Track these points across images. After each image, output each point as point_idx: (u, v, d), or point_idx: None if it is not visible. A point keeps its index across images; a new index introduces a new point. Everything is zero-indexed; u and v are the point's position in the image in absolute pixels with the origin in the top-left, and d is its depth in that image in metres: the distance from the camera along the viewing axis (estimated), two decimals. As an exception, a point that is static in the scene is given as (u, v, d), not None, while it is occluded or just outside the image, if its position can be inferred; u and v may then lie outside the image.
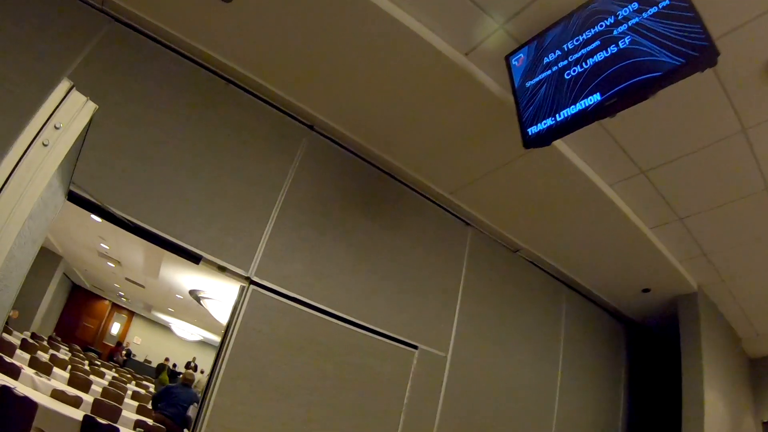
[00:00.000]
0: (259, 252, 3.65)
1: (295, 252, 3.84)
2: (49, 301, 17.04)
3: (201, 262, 3.49)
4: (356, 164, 4.46)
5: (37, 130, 1.88)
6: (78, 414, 5.50)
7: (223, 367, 3.31)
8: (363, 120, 4.15)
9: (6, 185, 1.74)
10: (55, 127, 1.93)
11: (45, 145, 1.88)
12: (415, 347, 4.29)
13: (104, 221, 3.53)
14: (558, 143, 3.78)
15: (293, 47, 3.60)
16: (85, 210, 3.42)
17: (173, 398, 7.44)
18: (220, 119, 3.85)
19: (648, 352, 7.02)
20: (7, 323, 12.41)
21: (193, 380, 7.85)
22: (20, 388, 5.82)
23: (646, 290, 5.89)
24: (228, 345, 3.36)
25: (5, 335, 9.76)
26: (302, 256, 3.87)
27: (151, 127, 3.58)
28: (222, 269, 3.52)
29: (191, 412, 7.35)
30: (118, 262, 12.54)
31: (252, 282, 3.56)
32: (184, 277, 10.64)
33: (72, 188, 3.21)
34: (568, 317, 5.89)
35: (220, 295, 10.45)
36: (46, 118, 1.92)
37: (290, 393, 3.54)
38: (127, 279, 14.94)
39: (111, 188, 3.35)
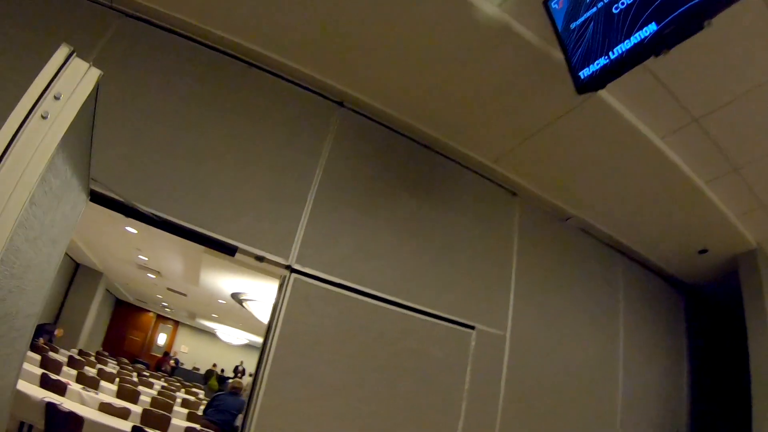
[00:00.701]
0: (297, 238, 3.40)
1: (336, 235, 3.58)
2: (94, 318, 17.37)
3: (237, 253, 3.27)
4: (393, 139, 4.17)
5: (34, 101, 1.63)
6: (127, 426, 5.38)
7: (269, 364, 3.07)
8: (395, 91, 3.86)
9: (1, 163, 1.50)
10: (55, 98, 1.68)
11: (44, 118, 1.63)
12: (472, 327, 3.98)
13: (135, 226, 3.34)
14: (604, 95, 3.43)
15: (316, 21, 3.34)
16: (109, 209, 3.25)
17: (221, 405, 7.27)
18: (243, 104, 3.64)
19: (709, 319, 6.60)
20: (51, 341, 12.59)
21: (241, 387, 7.65)
22: (67, 404, 5.74)
23: (702, 251, 5.46)
24: (272, 341, 3.12)
25: (52, 354, 9.77)
26: (344, 238, 3.61)
27: (171, 118, 3.41)
28: (260, 259, 3.28)
29: (239, 421, 7.19)
30: (158, 273, 12.52)
31: (293, 270, 3.31)
32: (224, 281, 10.49)
33: (93, 187, 3.05)
34: (625, 287, 5.51)
35: (262, 295, 10.27)
36: (43, 87, 1.66)
37: (343, 387, 3.28)
38: (168, 289, 14.98)
39: (134, 184, 3.19)
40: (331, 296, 3.39)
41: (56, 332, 12.57)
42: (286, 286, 3.23)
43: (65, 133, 1.70)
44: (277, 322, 3.16)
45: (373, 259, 3.66)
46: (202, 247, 8.34)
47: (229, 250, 3.24)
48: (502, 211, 4.61)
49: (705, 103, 3.53)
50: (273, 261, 3.30)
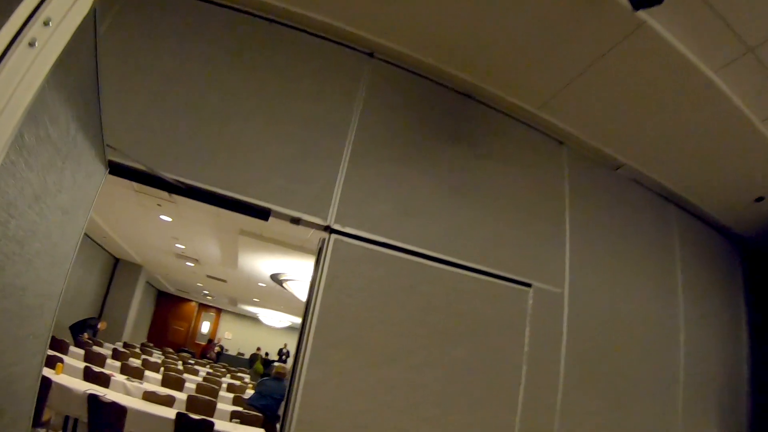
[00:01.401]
0: (335, 196, 3.13)
1: (377, 191, 3.29)
2: (137, 311, 17.68)
3: (270, 216, 3.02)
4: (429, 89, 3.84)
5: (20, 27, 1.37)
6: (171, 413, 5.26)
7: (311, 336, 2.82)
8: (429, 37, 3.53)
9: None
10: (44, 24, 1.42)
11: (32, 46, 1.37)
12: (529, 285, 3.66)
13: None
14: (653, 23, 3.02)
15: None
16: (131, 180, 3.00)
17: (264, 390, 7.12)
18: (266, 61, 3.38)
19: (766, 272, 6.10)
20: (95, 335, 12.68)
21: (284, 373, 7.46)
22: (111, 395, 5.65)
23: (759, 199, 5.02)
24: (313, 310, 2.87)
25: (96, 348, 9.78)
26: (386, 194, 3.32)
27: (191, 81, 3.19)
28: (296, 221, 3.01)
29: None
30: (196, 260, 12.54)
31: (332, 231, 3.04)
32: (262, 263, 10.38)
33: (112, 157, 2.85)
34: (681, 241, 5.10)
35: (302, 274, 10.09)
36: (30, 11, 1.40)
37: (393, 356, 3.01)
38: (208, 276, 15.11)
39: (157, 152, 2.97)
40: (376, 257, 3.11)
41: (99, 325, 12.65)
42: (326, 250, 2.96)
43: (57, 63, 1.45)
44: (318, 286, 2.90)
45: (417, 215, 3.37)
46: (237, 229, 8.29)
47: (262, 214, 2.99)
48: (549, 161, 4.25)
49: (762, 29, 3.11)
50: (310, 222, 3.04)
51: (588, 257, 4.12)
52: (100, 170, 2.83)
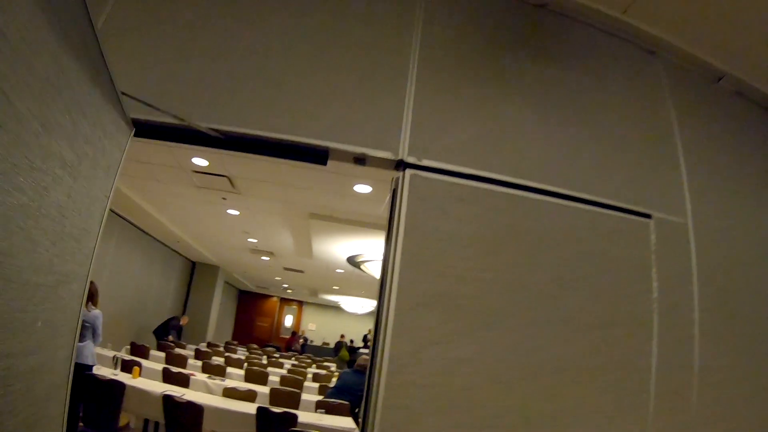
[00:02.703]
0: (405, 126, 2.53)
1: (454, 117, 2.66)
2: (219, 311, 18.00)
3: (329, 158, 2.48)
4: (496, 2, 3.15)
5: None
6: (253, 408, 4.95)
7: (393, 298, 2.23)
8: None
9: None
10: None
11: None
12: (648, 216, 2.93)
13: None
14: None
15: None
16: (159, 140, 2.55)
17: (343, 386, 6.59)
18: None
19: None
20: (179, 335, 12.73)
21: (365, 364, 6.89)
22: (190, 394, 5.48)
23: None
24: (393, 264, 2.27)
25: (177, 350, 9.66)
26: (466, 120, 2.68)
27: (221, 21, 2.75)
28: (360, 161, 2.46)
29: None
30: (271, 253, 12.39)
31: (407, 165, 2.43)
32: (337, 247, 10.00)
33: (136, 115, 2.44)
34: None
35: (379, 253, 9.61)
36: None
37: (498, 315, 2.38)
38: (285, 268, 15.01)
39: (187, 103, 2.52)
40: (465, 192, 2.48)
41: (182, 321, 12.70)
42: (402, 189, 2.36)
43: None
44: (396, 240, 2.30)
45: (506, 141, 2.72)
46: (307, 213, 7.88)
47: (318, 157, 2.45)
48: (643, 74, 3.46)
49: None
50: (378, 158, 2.45)
51: (707, 180, 3.32)
52: (123, 130, 2.39)
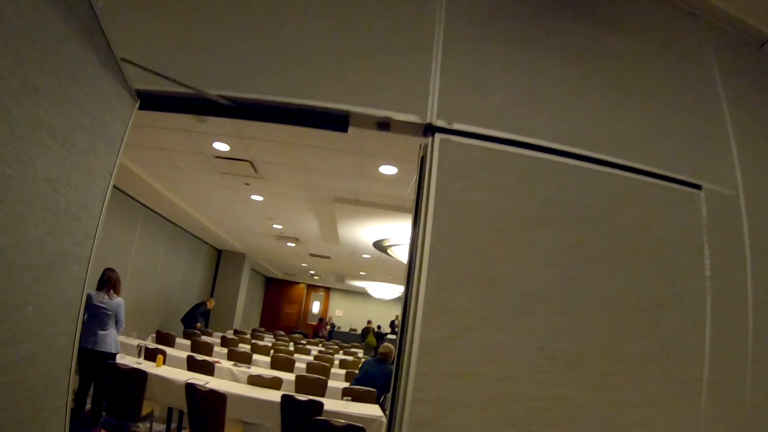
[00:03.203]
0: (433, 87, 2.26)
1: (487, 78, 2.38)
2: (246, 299, 18.09)
3: (350, 123, 2.24)
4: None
5: None
6: (278, 395, 4.78)
7: (423, 277, 1.97)
8: None
9: None
10: None
11: None
12: (698, 187, 2.61)
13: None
14: None
15: None
16: (166, 112, 2.38)
17: (364, 376, 6.40)
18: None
19: None
20: (207, 322, 12.73)
21: (388, 353, 6.60)
22: (214, 382, 5.42)
23: None
24: (423, 240, 2.02)
25: (204, 337, 9.61)
26: (499, 81, 2.40)
27: None
28: (384, 125, 2.22)
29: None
30: (297, 239, 12.30)
31: (436, 130, 2.16)
32: (363, 231, 9.79)
33: (140, 86, 2.27)
34: None
35: (406, 237, 9.41)
36: None
37: (539, 296, 2.12)
38: (311, 255, 14.91)
39: (194, 72, 2.30)
40: (500, 159, 2.20)
41: (208, 304, 12.70)
42: (431, 157, 2.10)
43: None
44: (425, 213, 2.05)
45: (544, 104, 2.44)
46: (331, 197, 7.69)
47: (338, 122, 2.22)
48: (686, 37, 3.14)
49: None
50: (403, 122, 2.20)
51: (757, 151, 3.02)
52: (126, 102, 2.23)
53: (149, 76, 2.16)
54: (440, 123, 2.16)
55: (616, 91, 2.65)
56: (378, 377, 6.16)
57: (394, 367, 2.03)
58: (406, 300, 2.01)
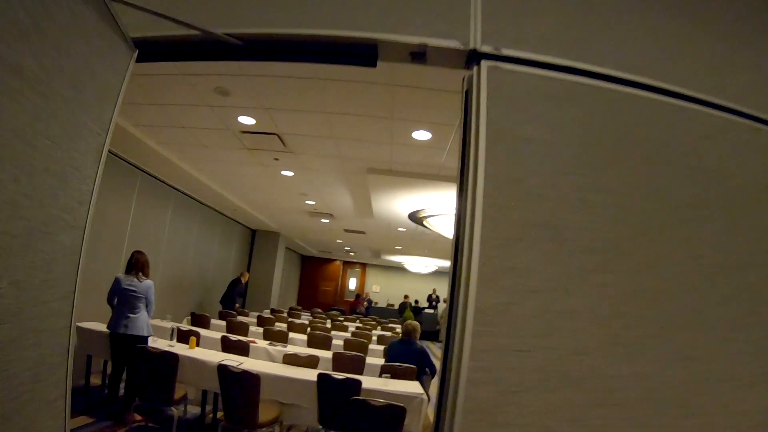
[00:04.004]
0: (475, 7, 1.87)
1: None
2: (282, 278, 18.10)
3: (379, 57, 1.90)
4: None
5: None
6: (315, 375, 4.56)
7: (476, 230, 1.60)
8: None
9: None
10: None
11: None
12: None
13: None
14: None
15: None
16: (168, 61, 2.09)
17: (389, 359, 6.06)
18: None
19: None
20: (244, 301, 12.68)
21: (411, 332, 6.12)
22: (248, 362, 5.22)
23: None
24: (474, 186, 1.65)
25: (239, 318, 9.48)
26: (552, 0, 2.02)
27: None
28: (418, 55, 1.86)
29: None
30: (330, 215, 12.15)
31: (482, 56, 1.79)
32: (398, 203, 9.50)
33: (135, 33, 1.99)
34: None
35: (443, 207, 9.06)
36: None
37: (611, 251, 1.72)
38: (345, 230, 14.82)
39: (197, 10, 2.01)
40: (562, 89, 1.82)
41: (243, 278, 12.65)
42: (477, 89, 1.72)
43: None
44: (475, 155, 1.68)
45: (603, 27, 2.02)
46: (364, 168, 7.40)
47: (364, 55, 1.88)
48: None
49: None
50: (442, 49, 1.83)
51: None
52: (121, 50, 1.95)
53: (146, 22, 1.89)
54: (486, 48, 1.78)
55: (688, 16, 2.24)
56: (405, 359, 5.79)
57: (444, 336, 1.68)
58: (455, 260, 1.66)
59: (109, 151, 1.87)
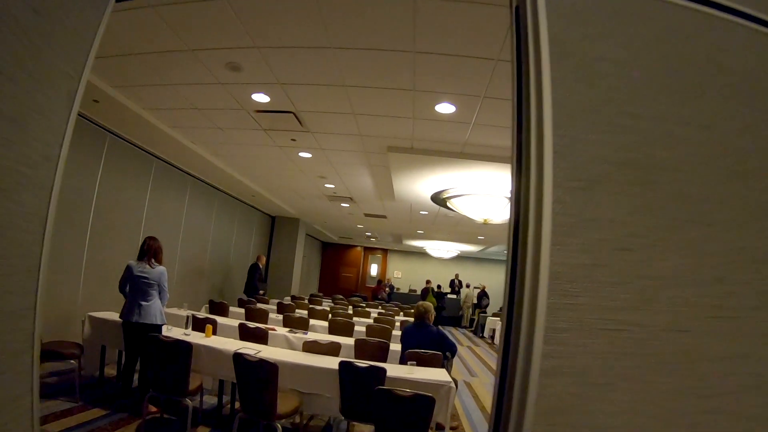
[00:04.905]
0: None
1: None
2: (302, 265, 18.08)
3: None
4: None
5: None
6: (336, 363, 4.32)
7: (546, 168, 1.18)
8: None
9: None
10: None
11: None
12: None
13: None
14: None
15: None
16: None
17: (405, 345, 5.68)
18: None
19: None
20: (266, 280, 12.53)
21: (424, 314, 5.71)
22: (265, 351, 4.95)
23: None
24: (539, 113, 1.20)
25: (259, 305, 9.23)
26: None
27: None
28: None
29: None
30: (350, 198, 11.91)
31: None
32: (420, 184, 9.16)
33: None
34: None
35: (467, 186, 8.66)
36: None
37: (708, 199, 1.27)
38: (366, 215, 14.58)
39: None
40: (636, 3, 1.40)
41: (260, 262, 12.49)
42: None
43: None
44: (536, 73, 1.26)
45: None
46: (384, 147, 7.05)
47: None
48: None
49: None
50: None
51: None
52: None
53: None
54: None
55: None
56: (426, 345, 5.43)
57: (504, 315, 1.28)
58: (516, 211, 1.24)
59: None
